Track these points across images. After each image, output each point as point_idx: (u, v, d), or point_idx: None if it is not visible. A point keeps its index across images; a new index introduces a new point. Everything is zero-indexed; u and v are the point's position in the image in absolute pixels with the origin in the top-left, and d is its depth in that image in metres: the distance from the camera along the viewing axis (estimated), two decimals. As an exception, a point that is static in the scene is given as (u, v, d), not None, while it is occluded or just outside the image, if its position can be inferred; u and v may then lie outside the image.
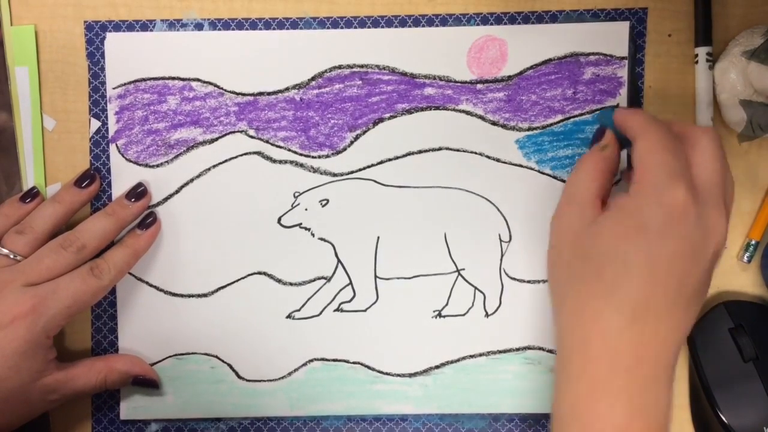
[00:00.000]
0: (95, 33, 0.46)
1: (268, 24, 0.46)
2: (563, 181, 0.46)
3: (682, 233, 0.35)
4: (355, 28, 0.46)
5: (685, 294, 0.35)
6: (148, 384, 0.46)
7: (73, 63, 0.46)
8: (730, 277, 0.47)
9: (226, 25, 0.46)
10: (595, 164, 0.39)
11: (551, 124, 0.46)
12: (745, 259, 0.47)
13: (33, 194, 0.45)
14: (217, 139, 0.46)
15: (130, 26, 0.46)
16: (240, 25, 0.46)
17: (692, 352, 0.46)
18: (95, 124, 0.46)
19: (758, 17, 0.46)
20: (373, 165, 0.46)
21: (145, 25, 0.46)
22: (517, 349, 0.47)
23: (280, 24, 0.46)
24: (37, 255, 0.43)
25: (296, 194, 0.46)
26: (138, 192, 0.45)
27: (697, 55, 0.46)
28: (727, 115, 0.46)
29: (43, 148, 0.47)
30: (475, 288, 0.47)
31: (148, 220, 0.46)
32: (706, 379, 0.45)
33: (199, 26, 0.46)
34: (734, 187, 0.38)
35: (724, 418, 0.44)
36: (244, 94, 0.46)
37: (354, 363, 0.47)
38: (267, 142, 0.46)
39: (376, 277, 0.46)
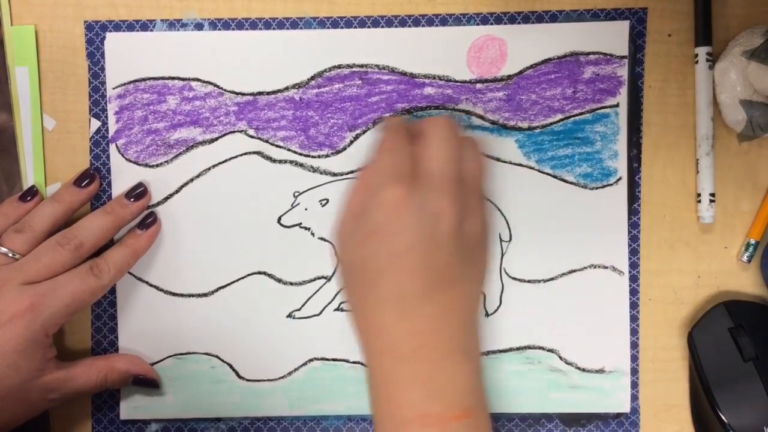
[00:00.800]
0: (95, 33, 0.46)
1: (268, 24, 0.46)
2: (564, 180, 0.46)
3: (407, 225, 0.37)
4: (355, 28, 0.46)
5: (440, 279, 0.37)
6: (148, 384, 0.46)
7: (73, 63, 0.46)
8: (730, 277, 0.47)
9: (226, 25, 0.46)
10: (361, 176, 0.41)
11: (551, 124, 0.46)
12: (745, 259, 0.47)
13: (32, 193, 0.45)
14: (216, 138, 0.46)
15: (130, 26, 0.46)
16: (240, 25, 0.46)
17: (692, 352, 0.46)
18: (95, 124, 0.46)
19: (758, 17, 0.46)
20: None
21: (145, 25, 0.46)
22: (518, 349, 0.47)
23: (280, 24, 0.46)
24: (35, 253, 0.43)
25: (296, 194, 0.46)
26: (138, 192, 0.46)
27: (697, 55, 0.46)
28: (727, 115, 0.46)
29: (43, 148, 0.47)
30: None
31: (148, 220, 0.46)
32: (706, 379, 0.45)
33: (199, 26, 0.46)
34: (479, 161, 0.41)
35: (724, 418, 0.44)
36: (243, 94, 0.46)
37: (354, 363, 0.47)
38: (267, 141, 0.46)
39: None
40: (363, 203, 0.39)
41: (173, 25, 0.46)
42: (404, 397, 0.37)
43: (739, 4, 0.46)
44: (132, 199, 0.45)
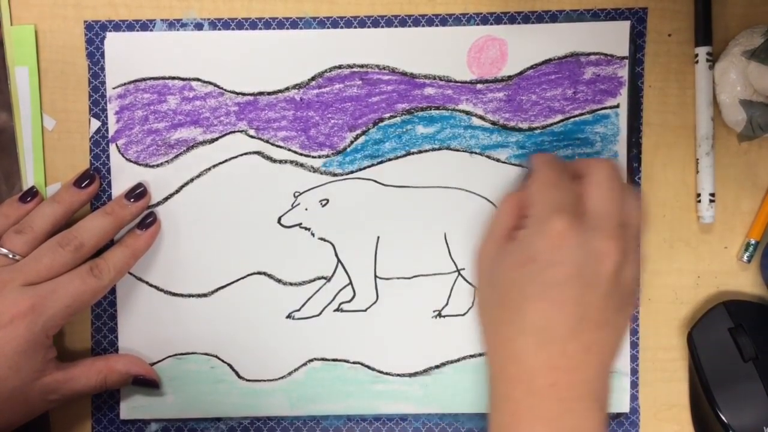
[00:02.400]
0: (95, 33, 0.46)
1: (268, 24, 0.46)
2: None
3: (568, 259, 0.37)
4: (355, 28, 0.46)
5: (588, 317, 0.37)
6: (148, 384, 0.46)
7: (73, 63, 0.46)
8: (730, 277, 0.47)
9: (226, 24, 0.46)
10: (508, 202, 0.41)
11: (551, 124, 0.46)
12: (745, 259, 0.47)
13: (32, 194, 0.45)
14: (217, 138, 0.46)
15: (130, 26, 0.46)
16: (240, 25, 0.46)
17: (692, 352, 0.46)
18: (95, 124, 0.46)
19: (758, 17, 0.46)
20: (373, 165, 0.46)
21: (145, 25, 0.46)
22: None
23: (280, 24, 0.46)
24: (36, 254, 0.43)
25: (296, 194, 0.46)
26: (137, 192, 0.46)
27: (697, 55, 0.46)
28: (727, 115, 0.46)
29: (43, 148, 0.47)
30: (475, 288, 0.47)
31: (148, 221, 0.46)
32: (706, 379, 0.45)
33: (199, 26, 0.46)
34: (641, 210, 0.40)
35: (724, 418, 0.44)
36: (244, 94, 0.46)
37: (354, 363, 0.47)
38: (267, 141, 0.46)
39: (376, 277, 0.46)
40: (514, 229, 0.39)
41: (173, 25, 0.46)
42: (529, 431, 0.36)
43: (739, 4, 0.46)
44: (132, 200, 0.45)
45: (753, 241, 0.46)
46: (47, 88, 0.46)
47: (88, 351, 0.47)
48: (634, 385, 0.47)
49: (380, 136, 0.46)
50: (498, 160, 0.46)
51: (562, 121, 0.46)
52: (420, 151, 0.46)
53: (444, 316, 0.47)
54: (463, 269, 0.47)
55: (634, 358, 0.47)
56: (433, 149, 0.46)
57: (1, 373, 0.40)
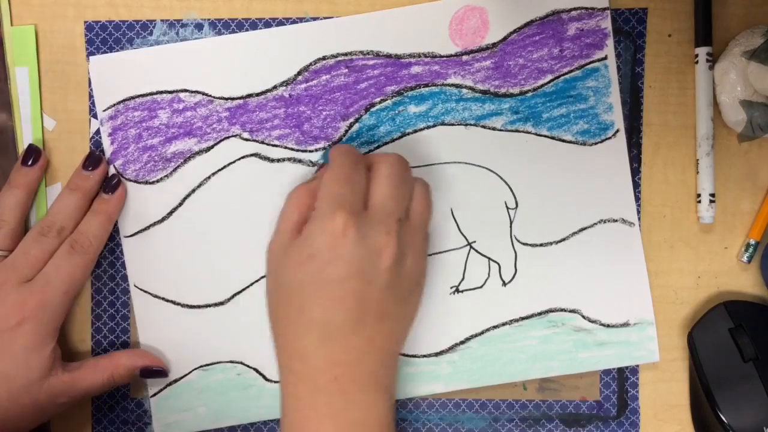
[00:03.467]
0: (95, 33, 0.46)
1: (268, 24, 0.46)
2: (562, 140, 0.46)
3: (347, 256, 0.38)
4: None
5: (369, 312, 0.38)
6: (157, 374, 0.46)
7: (73, 63, 0.46)
8: (730, 277, 0.47)
9: (226, 25, 0.46)
10: (296, 196, 0.41)
11: (542, 85, 0.46)
12: (745, 259, 0.47)
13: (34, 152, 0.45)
14: (212, 146, 0.46)
15: (130, 26, 0.46)
16: (240, 25, 0.46)
17: (692, 352, 0.46)
18: (95, 124, 0.46)
19: (758, 17, 0.46)
20: (370, 151, 0.46)
21: (146, 25, 0.46)
22: (539, 314, 0.46)
23: (280, 24, 0.46)
24: (22, 248, 0.43)
25: None
26: (93, 159, 0.45)
27: (697, 55, 0.46)
28: (727, 115, 0.46)
29: (43, 148, 0.46)
30: (489, 259, 0.47)
31: (112, 183, 0.45)
32: (706, 379, 0.45)
33: (199, 26, 0.46)
34: (425, 202, 0.42)
35: (724, 418, 0.44)
36: (233, 99, 0.46)
37: None
38: (262, 142, 0.46)
39: None
40: (303, 224, 0.40)
41: (173, 25, 0.46)
42: (316, 429, 0.37)
43: (739, 4, 0.46)
44: (90, 168, 0.45)
45: (753, 242, 0.46)
46: (47, 88, 0.46)
47: (89, 352, 0.47)
48: (634, 385, 0.47)
49: (373, 121, 0.46)
50: (494, 129, 0.46)
51: (552, 80, 0.46)
52: (415, 131, 0.46)
53: (462, 291, 0.47)
54: (474, 242, 0.46)
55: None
56: (428, 127, 0.46)
57: (12, 372, 0.41)
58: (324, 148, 0.46)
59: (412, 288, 0.41)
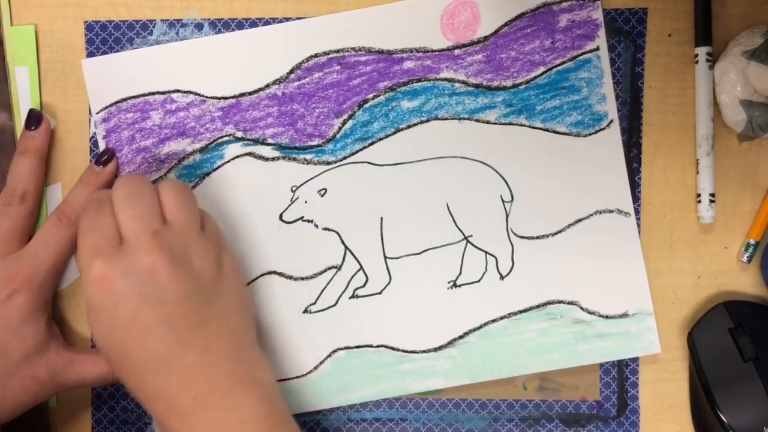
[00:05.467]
0: (95, 33, 0.46)
1: (268, 24, 0.46)
2: (556, 132, 0.46)
3: (124, 294, 0.37)
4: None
5: (184, 327, 0.37)
6: None
7: (73, 63, 0.46)
8: (730, 277, 0.47)
9: (226, 25, 0.46)
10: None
11: (535, 78, 0.46)
12: (745, 259, 0.47)
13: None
14: (206, 146, 0.46)
15: (130, 26, 0.46)
16: (240, 25, 0.46)
17: (692, 352, 0.46)
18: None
19: (758, 17, 0.46)
20: (365, 147, 0.46)
21: (146, 25, 0.46)
22: (537, 306, 0.46)
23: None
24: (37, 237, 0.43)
25: (293, 188, 0.46)
26: (105, 158, 0.45)
27: (697, 55, 0.46)
28: (727, 115, 0.46)
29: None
30: (486, 252, 0.47)
31: (104, 157, 0.45)
32: (706, 379, 0.45)
33: (199, 26, 0.46)
34: (177, 204, 0.40)
35: (724, 418, 0.44)
36: (225, 98, 0.46)
37: (378, 347, 0.47)
38: (256, 141, 0.46)
39: (385, 257, 0.46)
40: (84, 283, 0.39)
41: (173, 25, 0.46)
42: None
43: (739, 4, 0.46)
44: (102, 166, 0.45)
45: (753, 242, 0.46)
46: (47, 88, 0.46)
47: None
48: (634, 385, 0.47)
49: (367, 117, 0.46)
50: (488, 122, 0.46)
51: (545, 72, 0.46)
52: (409, 126, 0.46)
53: (459, 286, 0.47)
54: (471, 236, 0.46)
55: (634, 358, 0.47)
56: (422, 122, 0.46)
57: (8, 344, 0.41)
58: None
59: (211, 282, 0.40)
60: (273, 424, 0.38)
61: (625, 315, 0.46)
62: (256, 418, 0.37)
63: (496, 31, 0.46)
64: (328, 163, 0.46)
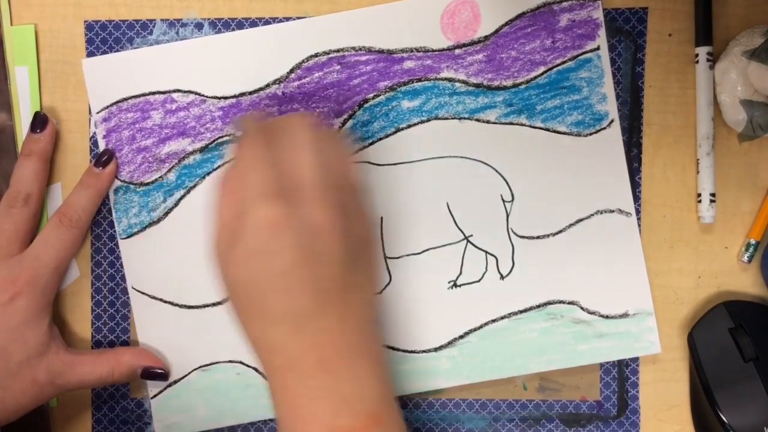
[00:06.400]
0: (95, 33, 0.46)
1: (268, 24, 0.46)
2: (556, 132, 0.46)
3: (290, 243, 0.35)
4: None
5: (332, 289, 0.36)
6: (158, 377, 0.46)
7: (73, 63, 0.46)
8: (730, 277, 0.47)
9: (226, 24, 0.46)
10: (228, 187, 0.38)
11: (535, 77, 0.46)
12: (745, 259, 0.46)
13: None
14: (206, 146, 0.46)
15: (130, 26, 0.46)
16: (240, 24, 0.46)
17: (692, 352, 0.46)
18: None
19: (758, 17, 0.46)
20: (364, 147, 0.46)
21: (145, 25, 0.46)
22: (538, 306, 0.46)
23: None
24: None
25: None
26: (104, 159, 0.45)
27: (697, 55, 0.46)
28: (727, 115, 0.46)
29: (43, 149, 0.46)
30: (486, 252, 0.47)
31: (104, 158, 0.45)
32: (706, 379, 0.45)
33: (199, 26, 0.46)
34: (346, 161, 0.39)
35: (724, 418, 0.44)
36: (226, 98, 0.46)
37: None
38: None
39: (385, 257, 0.46)
40: (235, 218, 0.37)
41: (173, 25, 0.46)
42: (310, 413, 0.36)
43: (739, 4, 0.46)
44: (101, 168, 0.45)
45: (753, 242, 0.46)
46: (47, 88, 0.46)
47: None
48: (634, 385, 0.47)
49: (367, 117, 0.46)
50: (488, 122, 0.46)
51: (545, 72, 0.46)
52: (409, 126, 0.46)
53: (459, 286, 0.47)
54: (471, 235, 0.46)
55: (634, 358, 0.47)
56: (422, 121, 0.46)
57: (10, 347, 0.41)
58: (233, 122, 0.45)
59: (364, 250, 0.39)
60: (384, 405, 0.37)
61: (625, 315, 0.46)
62: (370, 394, 0.37)
63: (496, 31, 0.46)
64: None
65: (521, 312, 0.47)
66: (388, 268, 0.46)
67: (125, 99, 0.46)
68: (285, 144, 0.38)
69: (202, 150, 0.46)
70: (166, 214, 0.46)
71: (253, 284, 0.36)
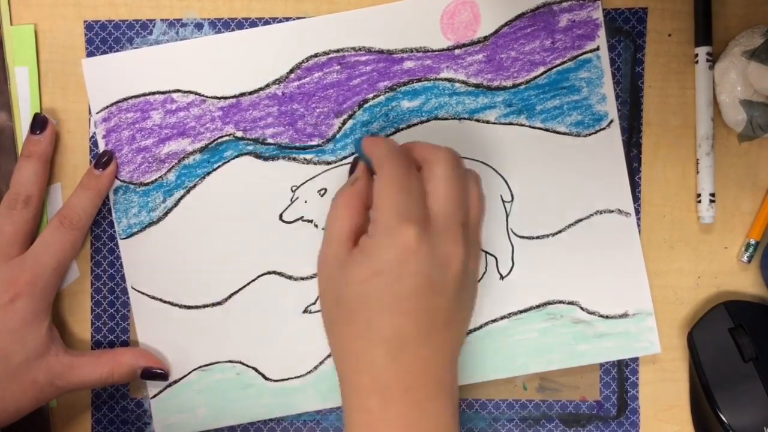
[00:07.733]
0: (95, 33, 0.46)
1: (268, 24, 0.46)
2: (556, 132, 0.46)
3: (417, 270, 0.36)
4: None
5: (437, 321, 0.37)
6: (157, 377, 0.46)
7: (73, 63, 0.46)
8: (730, 277, 0.47)
9: (226, 24, 0.46)
10: (345, 201, 0.39)
11: (535, 77, 0.46)
12: (745, 259, 0.47)
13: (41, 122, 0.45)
14: (206, 146, 0.46)
15: (130, 26, 0.46)
16: (240, 24, 0.46)
17: (692, 352, 0.46)
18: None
19: (758, 17, 0.46)
20: None
21: (145, 25, 0.46)
22: (537, 306, 0.46)
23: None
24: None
25: (293, 188, 0.46)
26: (104, 161, 0.45)
27: (697, 55, 0.46)
28: (727, 115, 0.46)
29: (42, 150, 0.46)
30: (486, 252, 0.47)
31: (104, 159, 0.45)
32: (706, 379, 0.45)
33: (199, 26, 0.46)
34: (480, 204, 0.40)
35: (724, 418, 0.44)
36: (225, 98, 0.46)
37: None
38: (256, 141, 0.46)
39: None
40: (356, 233, 0.38)
41: (173, 25, 0.46)
42: None
43: (739, 4, 0.46)
44: (101, 169, 0.45)
45: (753, 242, 0.46)
46: (47, 88, 0.46)
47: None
48: (634, 385, 0.47)
49: (367, 117, 0.46)
50: (488, 122, 0.46)
51: (545, 72, 0.46)
52: (409, 126, 0.46)
53: None
54: None
55: (634, 358, 0.47)
56: (422, 122, 0.46)
57: (9, 348, 0.41)
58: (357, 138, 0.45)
59: (473, 289, 0.40)
60: None
61: (625, 315, 0.46)
62: (446, 429, 0.37)
63: (496, 31, 0.46)
64: (328, 163, 0.46)
65: (521, 312, 0.47)
66: None
67: (125, 99, 0.46)
68: (426, 175, 0.38)
69: (201, 150, 0.46)
70: (166, 214, 0.46)
71: (364, 301, 0.37)
